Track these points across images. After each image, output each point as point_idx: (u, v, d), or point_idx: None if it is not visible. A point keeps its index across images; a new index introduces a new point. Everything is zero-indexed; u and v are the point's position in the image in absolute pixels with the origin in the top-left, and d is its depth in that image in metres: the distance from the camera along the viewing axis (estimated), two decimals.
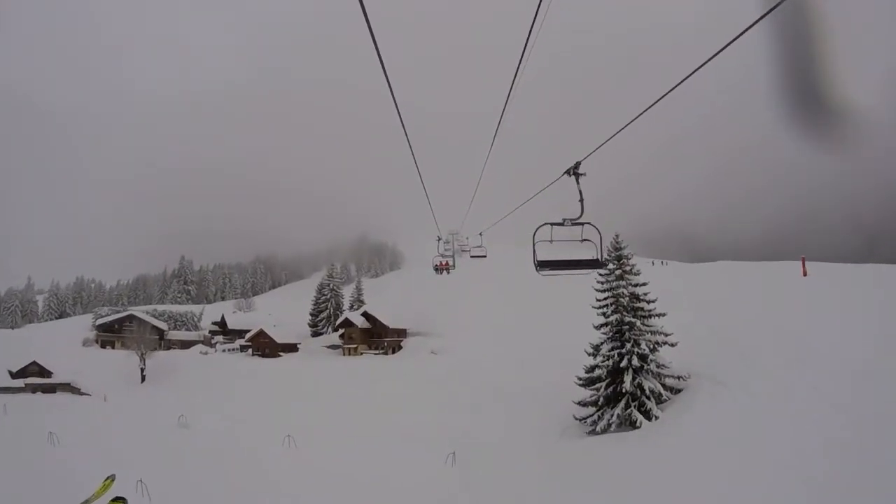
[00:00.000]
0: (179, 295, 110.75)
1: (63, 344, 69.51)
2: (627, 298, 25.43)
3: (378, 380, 41.29)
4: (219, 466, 20.51)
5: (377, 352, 56.01)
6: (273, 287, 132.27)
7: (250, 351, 58.47)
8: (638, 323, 24.77)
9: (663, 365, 24.53)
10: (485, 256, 17.95)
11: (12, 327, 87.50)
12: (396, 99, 4.89)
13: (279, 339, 56.98)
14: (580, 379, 25.94)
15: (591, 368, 25.47)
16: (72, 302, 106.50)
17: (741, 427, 18.97)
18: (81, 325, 79.04)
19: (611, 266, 26.22)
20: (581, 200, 5.73)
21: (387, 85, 4.51)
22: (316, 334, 68.02)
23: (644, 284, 26.26)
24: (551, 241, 5.83)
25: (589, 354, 26.05)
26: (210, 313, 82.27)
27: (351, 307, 67.73)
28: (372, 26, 3.47)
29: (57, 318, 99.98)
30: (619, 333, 25.14)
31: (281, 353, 55.84)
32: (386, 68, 4.10)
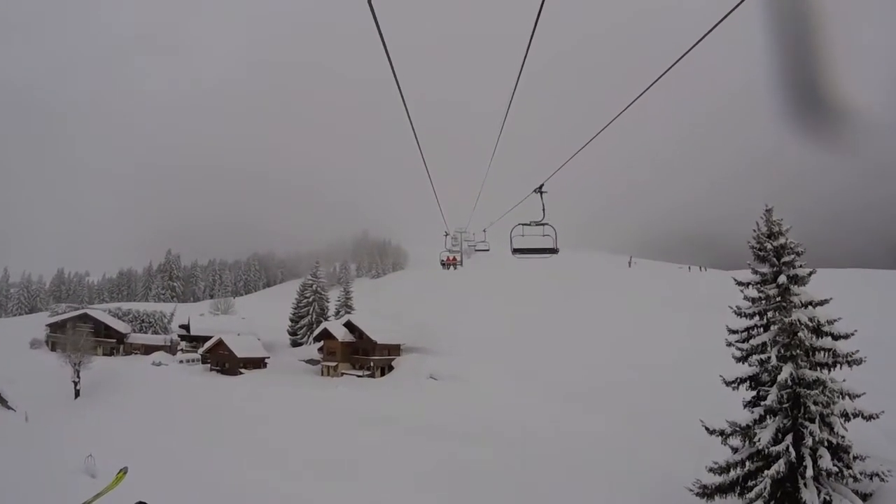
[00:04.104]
0: (163, 291, 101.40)
1: (14, 344, 61.36)
2: (806, 332, 13.27)
3: (350, 427, 29.63)
4: None
5: (361, 373, 44.99)
6: (268, 285, 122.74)
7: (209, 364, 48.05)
8: (828, 381, 13.03)
9: (853, 453, 12.77)
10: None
11: None
12: (401, 86, 4.92)
13: (242, 352, 46.10)
14: (702, 488, 14.11)
15: (726, 468, 13.80)
16: (46, 296, 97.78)
17: None
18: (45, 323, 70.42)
19: (763, 271, 14.37)
20: (543, 209, 7.68)
21: (392, 75, 4.51)
22: (296, 344, 57.52)
23: (825, 302, 14.01)
24: (523, 234, 7.89)
25: (714, 433, 14.25)
26: (185, 313, 72.64)
27: (337, 314, 57.00)
28: (377, 13, 3.41)
29: (28, 314, 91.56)
30: (793, 402, 13.13)
31: (243, 370, 45.10)
32: (390, 53, 4.07)
